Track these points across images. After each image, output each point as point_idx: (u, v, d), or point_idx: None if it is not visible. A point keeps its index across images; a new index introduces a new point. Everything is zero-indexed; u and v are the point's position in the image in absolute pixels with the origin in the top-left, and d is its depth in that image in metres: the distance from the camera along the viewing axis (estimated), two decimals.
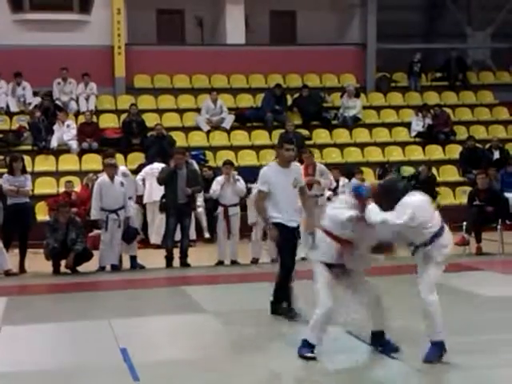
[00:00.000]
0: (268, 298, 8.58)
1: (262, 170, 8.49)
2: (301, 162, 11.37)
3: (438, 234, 6.70)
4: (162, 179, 12.57)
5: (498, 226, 13.41)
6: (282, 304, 8.47)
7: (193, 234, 14.45)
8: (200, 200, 14.67)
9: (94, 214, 12.17)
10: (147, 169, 14.95)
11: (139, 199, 14.60)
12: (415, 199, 6.64)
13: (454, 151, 18.71)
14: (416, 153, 18.81)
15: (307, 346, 6.73)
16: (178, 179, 12.34)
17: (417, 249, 6.71)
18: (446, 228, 6.85)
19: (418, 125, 19.25)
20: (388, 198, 6.60)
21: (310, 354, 6.71)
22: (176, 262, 12.43)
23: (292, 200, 8.34)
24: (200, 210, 14.81)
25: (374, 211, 6.51)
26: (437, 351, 6.62)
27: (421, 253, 6.69)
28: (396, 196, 6.60)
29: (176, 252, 12.46)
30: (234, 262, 12.73)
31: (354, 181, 16.72)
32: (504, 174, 17.37)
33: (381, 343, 6.94)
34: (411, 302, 7.13)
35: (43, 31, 18.71)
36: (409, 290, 7.22)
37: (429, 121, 19.24)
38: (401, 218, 6.42)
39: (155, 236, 14.27)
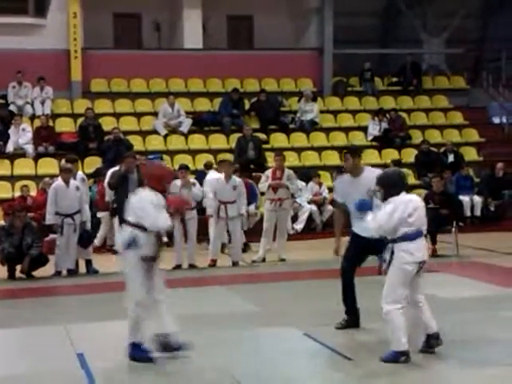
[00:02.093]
0: (225, 302, 8.58)
1: None
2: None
3: (408, 238, 6.73)
4: (113, 184, 12.48)
5: (453, 229, 13.58)
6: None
7: None
8: None
9: (49, 219, 12.06)
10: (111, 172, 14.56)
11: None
12: (403, 198, 6.82)
13: (410, 155, 18.92)
14: (372, 156, 18.93)
15: None
16: (129, 184, 12.23)
17: (386, 244, 6.80)
18: (423, 240, 6.89)
19: (374, 129, 19.44)
20: (390, 188, 6.81)
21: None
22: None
23: None
24: None
25: (371, 223, 6.79)
26: (394, 357, 6.63)
27: (388, 251, 6.76)
28: (397, 186, 6.82)
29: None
30: (191, 266, 12.72)
31: (311, 184, 16.89)
32: (458, 178, 17.64)
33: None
34: None
35: None
36: None
37: (385, 125, 19.44)
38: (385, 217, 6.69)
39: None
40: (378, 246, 7.41)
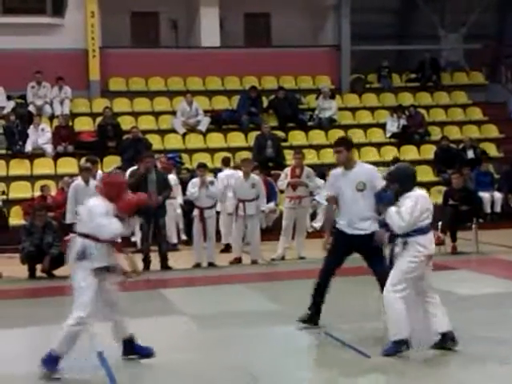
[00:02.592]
0: (244, 300, 8.59)
1: None
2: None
3: (421, 231, 6.77)
4: (132, 184, 12.51)
5: (473, 225, 13.53)
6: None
7: (174, 238, 14.43)
8: (179, 199, 14.64)
9: (70, 218, 12.09)
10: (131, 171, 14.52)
11: None
12: (420, 192, 6.94)
13: (429, 151, 18.83)
14: (391, 153, 18.88)
15: None
16: (148, 183, 12.29)
17: (396, 238, 6.81)
18: (432, 232, 6.95)
19: (392, 125, 19.36)
20: (405, 183, 6.81)
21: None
22: (155, 264, 12.39)
23: None
24: (178, 211, 14.79)
25: (397, 221, 6.74)
26: (395, 348, 6.68)
27: (400, 244, 6.75)
28: (412, 181, 6.86)
29: (155, 255, 12.42)
30: (211, 264, 12.73)
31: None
32: (478, 174, 17.53)
33: None
34: None
35: (16, 35, 18.57)
36: None
37: (403, 121, 19.36)
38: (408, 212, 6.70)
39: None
40: (362, 244, 7.53)
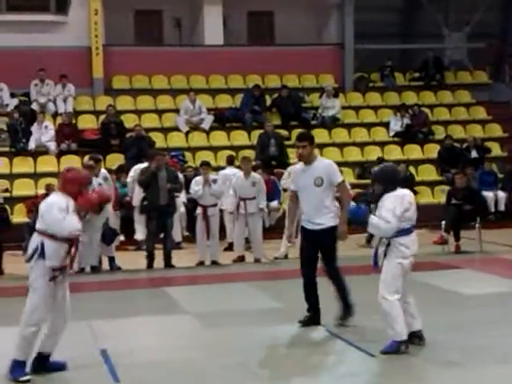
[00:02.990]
0: (248, 299, 8.59)
1: None
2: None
3: (403, 232, 6.79)
4: (143, 181, 12.53)
5: (477, 225, 13.50)
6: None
7: (178, 236, 14.42)
8: (182, 197, 14.63)
9: None
10: (135, 168, 14.19)
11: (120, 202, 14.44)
12: (401, 191, 6.91)
13: (432, 150, 18.81)
14: (395, 152, 18.88)
15: None
16: (159, 181, 12.31)
17: (380, 240, 6.83)
18: (415, 233, 6.95)
19: (396, 124, 19.34)
20: (387, 183, 6.82)
21: None
22: (157, 263, 12.38)
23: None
24: (182, 209, 14.79)
25: (382, 225, 6.75)
26: (396, 347, 6.72)
27: (383, 245, 6.79)
28: (395, 182, 6.87)
29: (159, 254, 12.41)
30: (214, 263, 12.72)
31: None
32: (482, 173, 17.51)
33: None
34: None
35: (20, 32, 18.58)
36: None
37: (407, 120, 19.33)
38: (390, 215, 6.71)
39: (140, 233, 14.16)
40: (320, 238, 7.64)
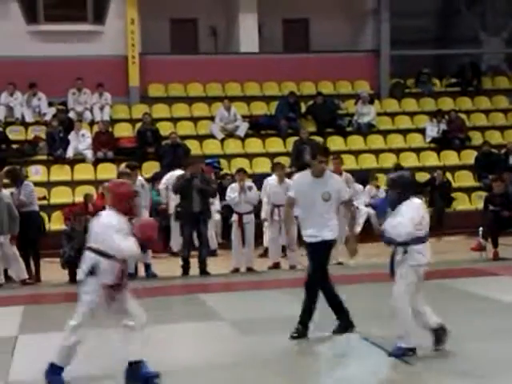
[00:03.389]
0: (282, 306, 8.57)
1: None
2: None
3: (419, 240, 6.87)
4: (177, 187, 12.58)
5: None
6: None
7: (214, 244, 14.45)
8: (217, 205, 14.66)
9: None
10: (168, 176, 14.44)
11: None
12: (417, 200, 7.00)
13: (469, 156, 18.63)
14: (431, 159, 18.76)
15: None
16: (193, 188, 12.35)
17: (396, 247, 6.89)
18: (428, 241, 7.03)
19: (432, 130, 19.20)
20: (404, 191, 6.87)
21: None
22: (193, 270, 12.41)
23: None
24: (217, 217, 14.82)
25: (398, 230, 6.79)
26: (403, 352, 6.80)
27: (400, 252, 6.83)
28: (411, 190, 6.93)
29: (194, 261, 12.45)
30: (249, 270, 12.73)
31: (369, 187, 16.76)
32: None
33: None
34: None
35: (58, 42, 18.82)
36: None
37: (443, 126, 19.18)
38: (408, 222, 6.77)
39: (175, 244, 14.25)
40: (317, 251, 7.56)
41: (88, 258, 6.45)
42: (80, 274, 6.54)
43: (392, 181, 7.08)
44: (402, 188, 6.93)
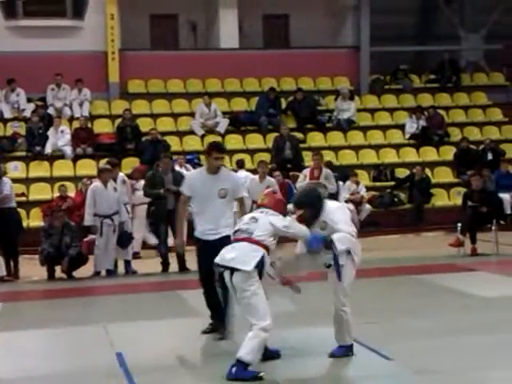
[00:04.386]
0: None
1: None
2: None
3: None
4: (147, 192, 12.55)
5: (493, 227, 13.42)
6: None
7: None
8: None
9: (88, 220, 12.17)
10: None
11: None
12: (337, 203, 7.04)
13: (448, 153, 18.74)
14: (410, 155, 18.84)
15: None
16: (166, 184, 12.30)
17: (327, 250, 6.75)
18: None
19: (412, 127, 19.28)
20: (312, 206, 6.70)
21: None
22: (173, 267, 12.39)
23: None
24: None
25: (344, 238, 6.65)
26: (344, 351, 6.79)
27: (342, 255, 6.71)
28: (318, 202, 6.74)
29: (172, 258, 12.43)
30: None
31: (349, 184, 16.81)
32: (498, 175, 17.42)
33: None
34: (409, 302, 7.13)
35: (37, 37, 18.71)
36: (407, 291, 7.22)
37: (423, 123, 19.27)
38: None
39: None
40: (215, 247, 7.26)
41: (256, 251, 6.43)
42: (250, 265, 6.38)
43: (297, 201, 6.86)
44: (311, 204, 6.72)
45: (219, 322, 7.76)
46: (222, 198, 7.67)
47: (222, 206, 7.70)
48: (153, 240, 13.93)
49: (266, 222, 6.56)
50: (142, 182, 13.27)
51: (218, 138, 18.46)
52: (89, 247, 12.76)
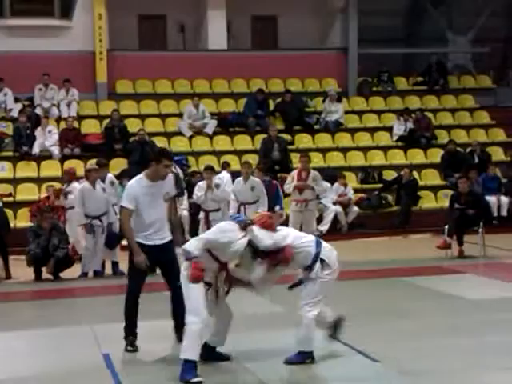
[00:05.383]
0: (247, 303, 8.59)
1: None
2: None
3: None
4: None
5: (480, 229, 13.48)
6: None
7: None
8: (185, 204, 14.65)
9: (80, 220, 12.14)
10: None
11: None
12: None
13: (436, 155, 18.81)
14: (398, 157, 18.90)
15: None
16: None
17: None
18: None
19: (399, 129, 19.35)
20: None
21: (195, 380, 6.37)
22: None
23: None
24: (185, 213, 14.81)
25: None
26: (302, 358, 6.81)
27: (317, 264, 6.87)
28: None
29: None
30: None
31: (336, 185, 16.86)
32: (485, 178, 17.50)
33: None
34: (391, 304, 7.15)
35: (24, 37, 18.65)
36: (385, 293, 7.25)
37: (410, 125, 19.34)
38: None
39: None
40: (168, 251, 7.43)
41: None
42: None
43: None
44: None
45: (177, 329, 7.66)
46: (165, 201, 7.61)
47: (165, 210, 7.64)
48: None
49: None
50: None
51: (206, 140, 18.53)
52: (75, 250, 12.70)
